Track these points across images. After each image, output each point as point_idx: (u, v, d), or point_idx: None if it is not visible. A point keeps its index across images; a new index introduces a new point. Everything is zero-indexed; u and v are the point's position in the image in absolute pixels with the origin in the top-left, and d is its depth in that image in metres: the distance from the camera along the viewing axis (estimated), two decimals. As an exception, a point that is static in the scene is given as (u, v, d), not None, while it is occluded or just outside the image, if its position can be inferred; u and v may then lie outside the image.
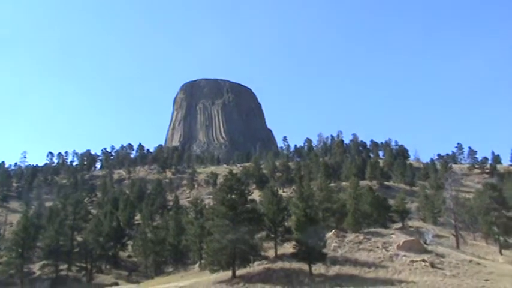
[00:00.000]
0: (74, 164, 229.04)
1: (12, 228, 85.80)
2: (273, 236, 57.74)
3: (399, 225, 76.91)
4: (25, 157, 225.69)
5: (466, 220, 74.68)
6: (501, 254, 62.65)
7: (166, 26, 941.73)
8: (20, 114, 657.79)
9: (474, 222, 75.42)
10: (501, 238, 66.99)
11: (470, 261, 51.13)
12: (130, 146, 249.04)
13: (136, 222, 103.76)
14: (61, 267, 72.32)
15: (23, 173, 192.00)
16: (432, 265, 47.52)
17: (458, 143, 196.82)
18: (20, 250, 71.07)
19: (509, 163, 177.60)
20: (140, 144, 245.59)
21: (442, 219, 77.61)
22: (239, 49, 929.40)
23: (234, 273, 46.36)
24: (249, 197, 57.09)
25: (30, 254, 75.74)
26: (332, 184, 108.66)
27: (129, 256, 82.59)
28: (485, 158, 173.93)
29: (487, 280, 42.68)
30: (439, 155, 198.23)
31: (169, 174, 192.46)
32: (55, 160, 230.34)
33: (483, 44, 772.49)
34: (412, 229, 74.15)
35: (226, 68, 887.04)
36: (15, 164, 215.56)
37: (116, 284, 66.31)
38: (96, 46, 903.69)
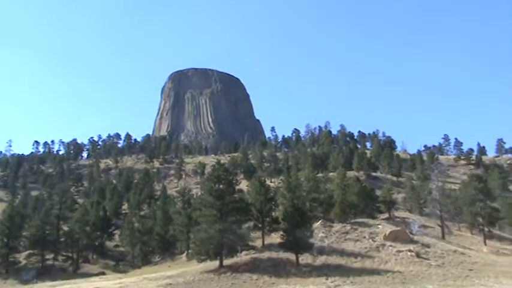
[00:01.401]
0: (60, 153, 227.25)
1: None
2: (260, 226, 57.98)
3: (386, 215, 77.42)
4: (10, 146, 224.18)
5: (452, 211, 75.44)
6: (485, 244, 63.40)
7: (155, 14, 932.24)
8: (5, 102, 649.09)
9: (459, 213, 76.21)
10: (485, 229, 67.87)
11: (455, 251, 51.81)
12: (117, 136, 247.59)
13: (124, 211, 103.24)
14: (47, 256, 71.85)
15: (8, 161, 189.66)
16: (418, 255, 48.06)
17: (445, 135, 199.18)
18: (5, 239, 70.67)
19: (495, 155, 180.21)
20: (127, 133, 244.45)
21: (428, 210, 78.24)
22: (228, 39, 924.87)
23: (221, 263, 46.46)
24: (237, 187, 56.95)
25: (16, 243, 75.12)
26: (319, 174, 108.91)
27: (116, 246, 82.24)
28: (471, 150, 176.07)
29: (471, 270, 43.29)
30: (425, 146, 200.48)
31: (156, 164, 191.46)
32: (41, 149, 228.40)
33: (469, 35, 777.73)
34: (399, 219, 74.70)
35: (215, 58, 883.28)
36: (0, 152, 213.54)
37: (103, 273, 66.05)
38: (83, 34, 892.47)
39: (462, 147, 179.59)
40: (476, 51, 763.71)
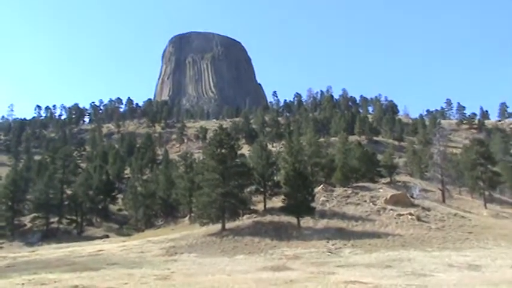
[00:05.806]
0: (62, 117, 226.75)
1: (1, 182, 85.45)
2: (262, 190, 58.29)
3: (387, 179, 77.77)
4: (12, 110, 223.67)
5: (453, 175, 75.60)
6: (485, 207, 63.91)
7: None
8: (6, 67, 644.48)
9: (460, 177, 76.50)
10: (486, 192, 68.17)
11: (455, 214, 52.20)
12: (119, 100, 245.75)
13: (126, 176, 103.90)
14: (52, 219, 72.68)
15: (10, 126, 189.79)
16: (418, 218, 48.48)
17: (447, 99, 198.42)
18: (10, 203, 71.47)
19: (497, 119, 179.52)
20: (129, 98, 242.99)
21: (429, 174, 78.42)
22: (229, 2, 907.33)
23: (223, 226, 46.91)
24: (239, 152, 56.95)
25: (20, 206, 76.16)
26: (321, 139, 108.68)
27: (120, 209, 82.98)
28: (474, 114, 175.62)
29: (470, 233, 43.74)
30: (428, 110, 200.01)
31: (158, 128, 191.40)
32: (43, 114, 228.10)
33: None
34: (400, 184, 75.13)
35: (216, 21, 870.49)
36: (3, 117, 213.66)
37: (107, 236, 66.96)
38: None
39: (465, 112, 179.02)
40: (478, 14, 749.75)
